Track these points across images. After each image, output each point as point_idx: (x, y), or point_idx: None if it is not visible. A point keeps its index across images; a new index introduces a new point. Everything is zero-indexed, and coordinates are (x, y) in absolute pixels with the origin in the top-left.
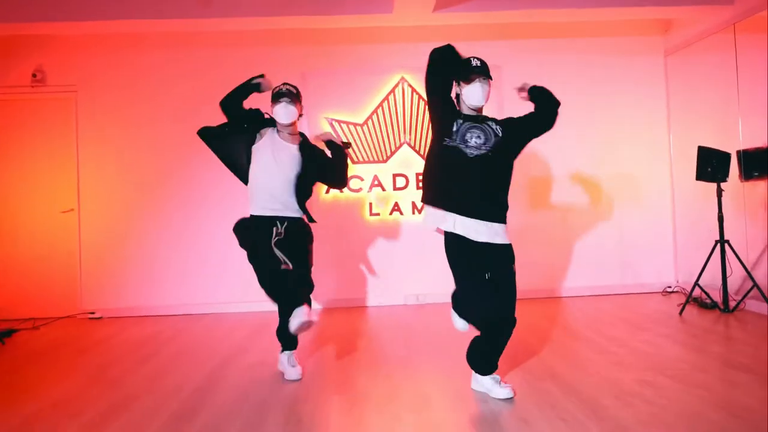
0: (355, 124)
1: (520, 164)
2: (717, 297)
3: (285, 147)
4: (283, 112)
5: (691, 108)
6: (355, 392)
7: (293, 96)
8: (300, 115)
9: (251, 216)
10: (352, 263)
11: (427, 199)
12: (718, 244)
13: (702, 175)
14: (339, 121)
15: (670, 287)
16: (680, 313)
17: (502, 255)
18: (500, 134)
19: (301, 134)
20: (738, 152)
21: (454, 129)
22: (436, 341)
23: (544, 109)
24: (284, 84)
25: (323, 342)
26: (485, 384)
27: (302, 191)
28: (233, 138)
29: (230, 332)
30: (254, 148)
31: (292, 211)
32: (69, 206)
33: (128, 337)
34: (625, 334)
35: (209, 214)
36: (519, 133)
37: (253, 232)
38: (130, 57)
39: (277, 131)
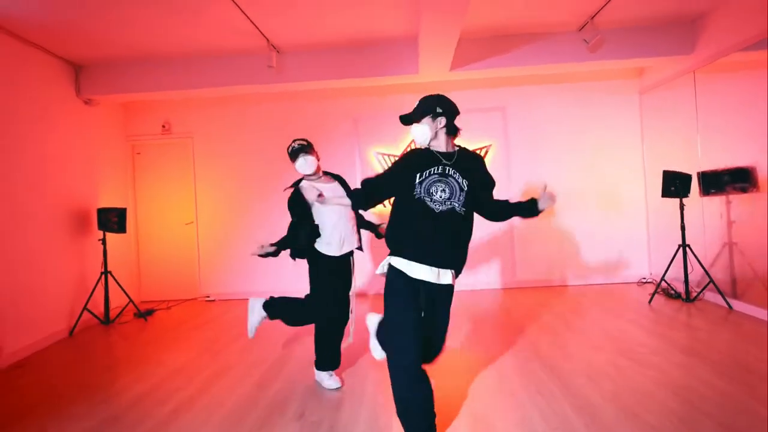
0: (395, 156)
1: (524, 180)
2: (680, 288)
3: (327, 189)
4: (304, 164)
5: (660, 136)
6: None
7: (306, 148)
8: (318, 161)
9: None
10: None
11: (393, 250)
12: (681, 248)
13: (666, 193)
14: (383, 154)
15: (644, 278)
16: (650, 301)
17: (442, 294)
18: (466, 188)
19: (329, 174)
20: (698, 173)
21: (417, 183)
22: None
23: (522, 210)
24: (294, 141)
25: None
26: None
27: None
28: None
29: None
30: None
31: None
32: (190, 219)
33: (231, 316)
34: (602, 319)
35: (284, 221)
36: (478, 191)
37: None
38: (230, 111)
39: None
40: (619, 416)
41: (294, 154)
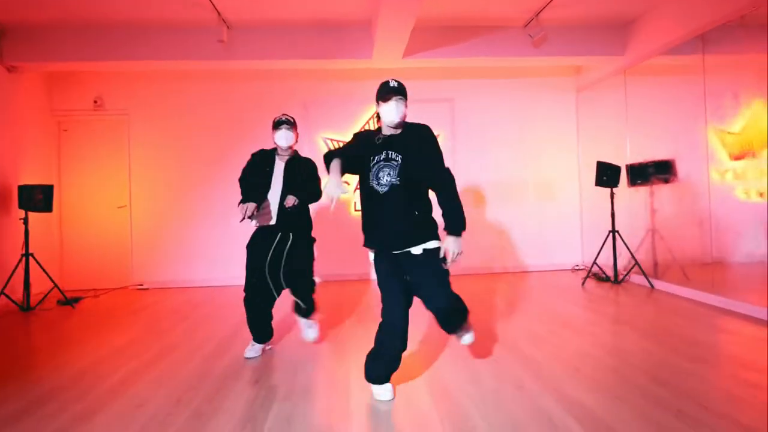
0: (344, 141)
1: (468, 171)
2: (610, 272)
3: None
4: (283, 137)
5: (594, 131)
6: (342, 343)
7: (290, 124)
8: (296, 141)
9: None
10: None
11: (365, 243)
12: (611, 234)
13: (599, 182)
14: (332, 139)
15: (577, 265)
16: (582, 284)
17: (422, 260)
18: (399, 161)
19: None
20: (626, 165)
21: (371, 168)
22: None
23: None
24: (283, 114)
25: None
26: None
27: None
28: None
29: None
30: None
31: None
32: (123, 203)
33: (169, 303)
34: (541, 299)
35: (227, 208)
36: (416, 166)
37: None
38: (169, 88)
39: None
40: (563, 371)
41: (278, 124)
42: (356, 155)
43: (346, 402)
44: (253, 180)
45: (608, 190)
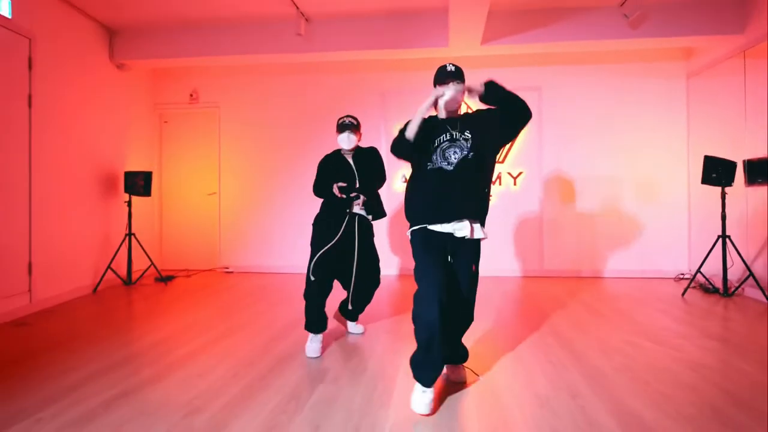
0: None
1: (557, 164)
2: (719, 283)
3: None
4: (346, 140)
5: (708, 122)
6: (398, 333)
7: (354, 127)
8: (358, 141)
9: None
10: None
11: (410, 220)
12: (720, 239)
13: (707, 179)
14: None
15: (682, 274)
16: (683, 294)
17: (465, 247)
18: (468, 137)
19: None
20: (744, 161)
21: (435, 150)
22: None
23: (507, 109)
24: (347, 116)
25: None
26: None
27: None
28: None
29: None
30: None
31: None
32: (213, 190)
33: (249, 285)
34: (628, 307)
35: (310, 198)
36: (489, 132)
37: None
38: (257, 81)
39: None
40: (629, 383)
41: (342, 128)
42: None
43: (390, 392)
44: (336, 181)
45: (720, 189)
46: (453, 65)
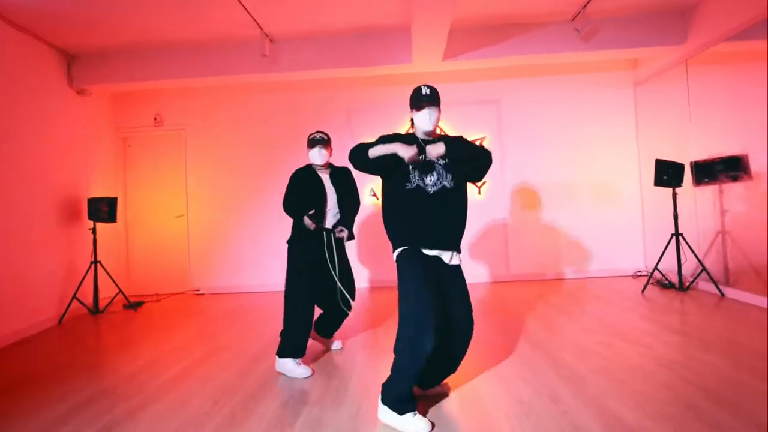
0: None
1: (519, 174)
2: (675, 279)
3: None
4: (317, 155)
5: (655, 127)
6: (378, 349)
7: (324, 142)
8: (329, 157)
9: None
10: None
11: (397, 242)
12: (674, 237)
13: (659, 181)
14: None
15: (639, 271)
16: (642, 291)
17: (453, 273)
18: (449, 169)
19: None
20: (691, 163)
21: (411, 170)
22: None
23: (471, 165)
24: (317, 132)
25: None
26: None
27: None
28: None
29: None
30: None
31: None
32: (180, 212)
33: (223, 307)
34: (594, 307)
35: (280, 217)
36: (461, 170)
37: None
38: (222, 102)
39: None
40: (607, 384)
41: (312, 143)
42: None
43: (375, 409)
44: (307, 197)
45: (670, 189)
46: (428, 87)
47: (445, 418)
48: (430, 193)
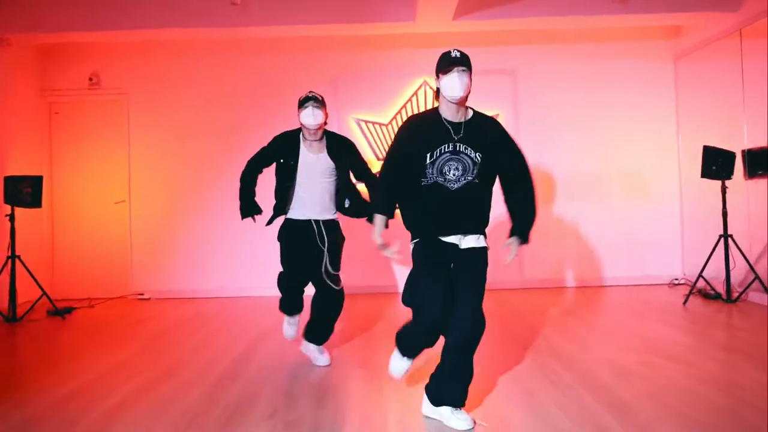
0: (381, 124)
1: (534, 159)
2: (721, 288)
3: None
4: (310, 115)
5: (699, 109)
6: (376, 368)
7: (319, 102)
8: (325, 122)
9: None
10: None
11: (413, 233)
12: (722, 239)
13: (707, 173)
14: (366, 122)
15: (676, 279)
16: (684, 303)
17: (470, 256)
18: (479, 160)
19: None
20: (743, 152)
21: (428, 165)
22: None
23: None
24: (310, 91)
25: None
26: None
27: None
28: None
29: (264, 313)
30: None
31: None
32: (121, 198)
33: (174, 315)
34: (629, 320)
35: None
36: (496, 165)
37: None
38: (175, 63)
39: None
40: (660, 413)
41: (304, 101)
42: (406, 163)
43: None
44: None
45: (719, 183)
46: (458, 51)
47: None
48: (452, 189)
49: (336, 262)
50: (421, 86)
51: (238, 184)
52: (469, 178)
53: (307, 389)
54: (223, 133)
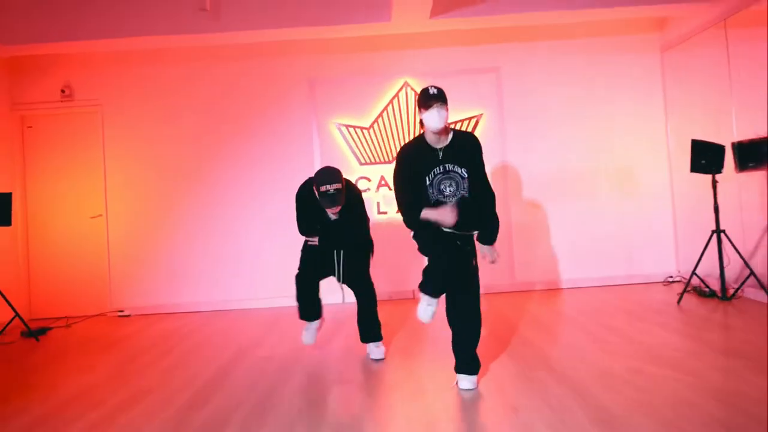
0: (362, 128)
1: (522, 158)
2: (716, 285)
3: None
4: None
5: (687, 101)
6: (357, 382)
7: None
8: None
9: None
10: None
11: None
12: (715, 234)
13: (696, 167)
14: (347, 126)
15: (671, 277)
16: (678, 302)
17: (465, 242)
18: (466, 176)
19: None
20: (733, 144)
21: (428, 187)
22: (437, 334)
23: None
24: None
25: (334, 334)
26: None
27: None
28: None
29: (245, 328)
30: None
31: None
32: (98, 212)
33: (152, 333)
34: (622, 323)
35: (225, 218)
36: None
37: None
38: (148, 72)
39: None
40: (652, 426)
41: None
42: (415, 181)
43: None
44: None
45: (709, 177)
46: (435, 87)
47: None
48: (447, 202)
49: (359, 270)
50: (402, 87)
51: (218, 196)
52: (463, 192)
53: (281, 412)
54: (200, 141)
